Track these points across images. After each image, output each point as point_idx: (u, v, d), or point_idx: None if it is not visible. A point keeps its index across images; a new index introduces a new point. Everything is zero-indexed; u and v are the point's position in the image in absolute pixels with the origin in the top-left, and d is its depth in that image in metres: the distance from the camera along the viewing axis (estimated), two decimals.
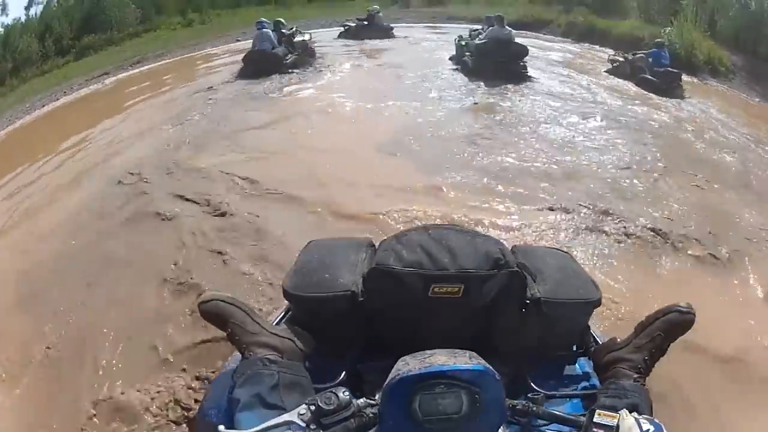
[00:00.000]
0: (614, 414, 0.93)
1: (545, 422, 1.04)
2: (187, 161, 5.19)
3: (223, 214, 4.02)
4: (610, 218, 4.01)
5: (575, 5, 14.03)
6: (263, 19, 9.75)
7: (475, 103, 6.96)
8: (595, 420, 0.92)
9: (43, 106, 9.43)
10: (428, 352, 0.93)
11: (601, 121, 6.55)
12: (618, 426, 0.91)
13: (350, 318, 1.24)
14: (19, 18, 14.36)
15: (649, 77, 8.55)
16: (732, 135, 6.52)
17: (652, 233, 3.83)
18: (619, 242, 3.72)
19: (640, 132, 6.26)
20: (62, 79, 11.52)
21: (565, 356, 1.36)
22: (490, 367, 0.91)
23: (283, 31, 9.85)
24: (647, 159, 5.36)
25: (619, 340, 1.22)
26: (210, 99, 7.62)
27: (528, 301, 1.25)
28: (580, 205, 4.19)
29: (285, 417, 0.89)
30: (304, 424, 0.87)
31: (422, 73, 8.69)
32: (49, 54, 13.92)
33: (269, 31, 9.40)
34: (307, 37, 10.19)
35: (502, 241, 1.36)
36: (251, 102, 7.37)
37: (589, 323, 1.39)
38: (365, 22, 12.45)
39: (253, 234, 3.70)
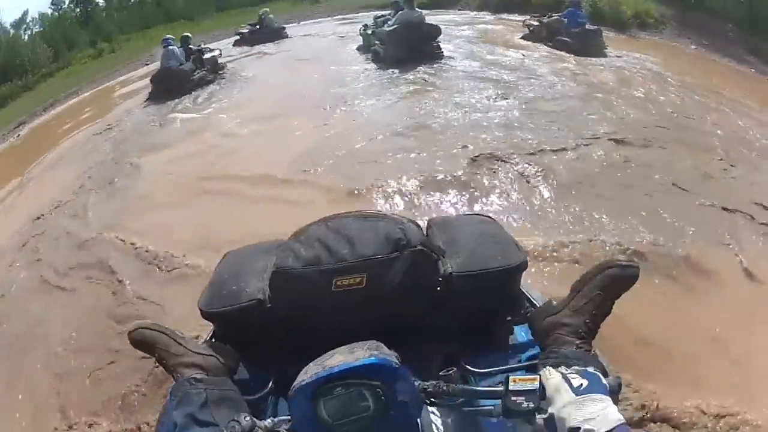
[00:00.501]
0: (533, 377, 0.85)
1: (468, 399, 0.99)
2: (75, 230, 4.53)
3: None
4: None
5: None
6: (169, 36, 9.60)
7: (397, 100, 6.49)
8: (511, 387, 0.84)
9: None
10: (329, 353, 0.91)
11: (514, 99, 6.20)
12: (541, 388, 0.84)
13: (263, 326, 1.22)
14: None
15: (565, 39, 8.42)
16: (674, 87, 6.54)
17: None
18: None
19: (554, 101, 5.95)
20: None
21: (499, 329, 1.28)
22: (388, 356, 0.88)
23: (191, 47, 9.72)
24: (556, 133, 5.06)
25: (555, 302, 1.15)
26: (109, 138, 7.21)
27: (440, 279, 1.18)
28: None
29: None
30: None
31: (330, 71, 8.23)
32: None
33: (175, 48, 9.21)
34: (216, 52, 10.08)
35: (414, 218, 1.27)
36: (154, 135, 6.93)
37: (525, 288, 1.34)
38: (257, 26, 12.57)
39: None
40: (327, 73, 8.13)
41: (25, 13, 16.23)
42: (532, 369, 1.01)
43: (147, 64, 12.67)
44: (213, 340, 1.27)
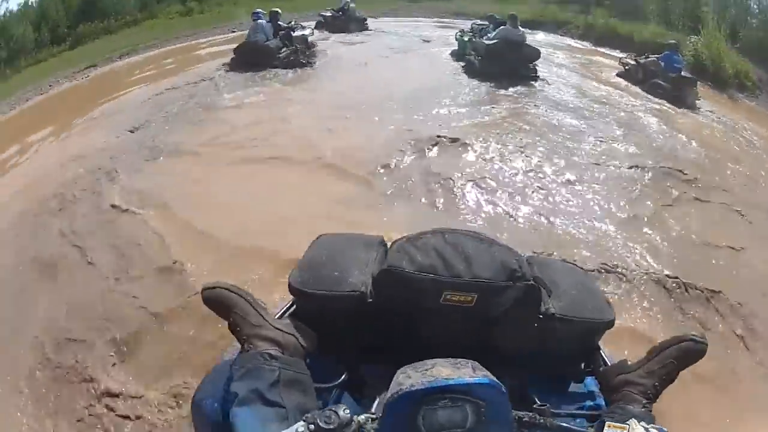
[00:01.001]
0: (623, 425, 0.91)
1: None
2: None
3: None
4: None
5: (593, 6, 13.35)
6: (259, 9, 9.21)
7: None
8: (605, 431, 0.90)
9: (27, 99, 9.08)
10: (429, 362, 0.89)
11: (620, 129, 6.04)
12: None
13: (356, 318, 1.20)
14: (9, 8, 14.06)
15: (661, 82, 8.01)
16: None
17: None
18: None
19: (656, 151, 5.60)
20: (53, 70, 11.07)
21: (572, 374, 1.31)
22: (496, 380, 0.87)
23: (280, 23, 9.31)
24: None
25: (629, 362, 1.18)
26: (177, 103, 6.78)
27: (541, 316, 1.20)
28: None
29: (292, 429, 0.85)
30: None
31: (423, 73, 7.94)
32: (44, 42, 13.58)
33: (263, 22, 8.85)
34: (307, 31, 9.67)
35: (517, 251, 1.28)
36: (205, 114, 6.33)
37: (600, 344, 1.34)
38: (340, 14, 12.07)
39: None
40: (420, 74, 7.82)
41: None
42: (595, 419, 1.07)
43: (233, 31, 12.25)
44: (291, 316, 1.24)
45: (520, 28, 7.92)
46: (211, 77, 7.87)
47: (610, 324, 1.25)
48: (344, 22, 11.80)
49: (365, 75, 8.11)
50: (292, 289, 1.22)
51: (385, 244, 1.37)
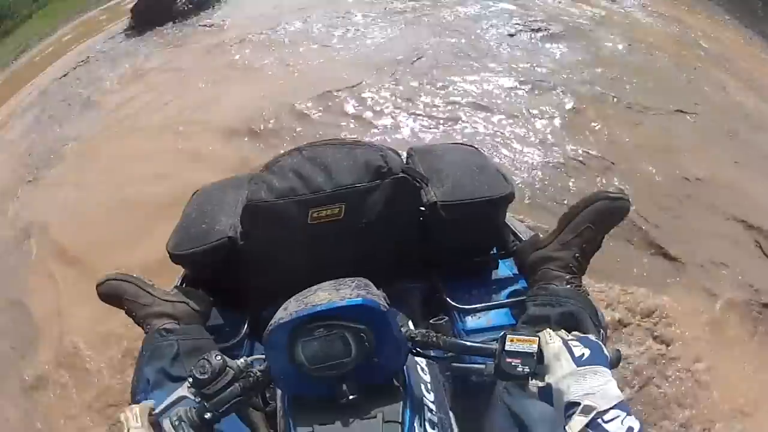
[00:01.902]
0: (531, 338, 0.74)
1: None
2: None
3: None
4: None
5: None
6: None
7: None
8: (507, 348, 0.74)
9: None
10: (312, 288, 0.83)
11: None
12: (540, 351, 0.73)
13: (236, 265, 1.15)
14: None
15: None
16: None
17: None
18: None
19: None
20: None
21: (484, 262, 1.22)
22: (375, 298, 0.79)
23: None
24: None
25: (542, 236, 1.10)
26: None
27: (423, 209, 1.13)
28: None
29: (177, 393, 0.83)
30: (192, 397, 0.81)
31: None
32: None
33: None
34: None
35: (392, 146, 1.19)
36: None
37: (510, 221, 1.26)
38: None
39: None
40: None
41: None
42: (520, 305, 1.02)
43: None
44: (183, 285, 1.21)
45: None
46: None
47: (509, 197, 1.15)
48: None
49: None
50: (171, 256, 1.18)
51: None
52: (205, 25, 6.46)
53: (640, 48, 4.35)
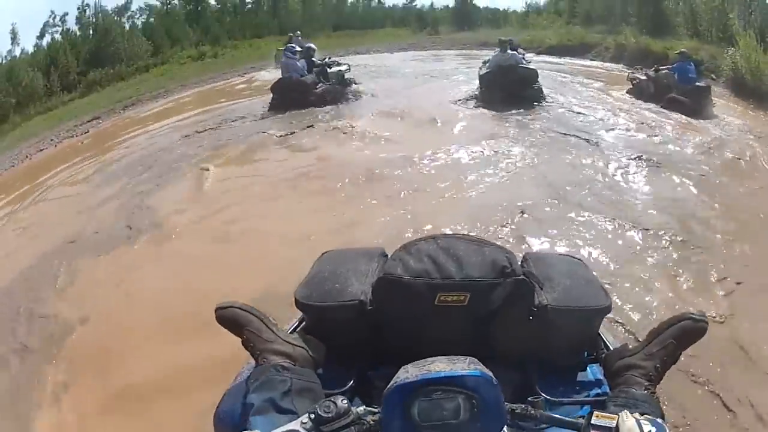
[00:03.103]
0: (612, 415, 0.88)
1: (545, 426, 1.01)
2: None
3: None
4: None
5: (619, 25, 12.55)
6: (292, 44, 8.83)
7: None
8: (593, 422, 0.89)
9: (26, 157, 8.35)
10: (429, 359, 0.91)
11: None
12: (617, 427, 0.86)
13: (359, 326, 1.24)
14: (24, 49, 13.75)
15: (678, 96, 7.12)
16: None
17: None
18: None
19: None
20: (60, 120, 10.53)
21: (575, 363, 1.32)
22: (488, 372, 0.89)
23: (314, 59, 8.81)
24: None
25: (630, 346, 1.21)
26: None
27: (535, 309, 1.23)
28: None
29: (290, 426, 0.89)
30: None
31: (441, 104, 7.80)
32: (54, 89, 13.21)
33: (295, 59, 8.31)
34: (344, 67, 9.17)
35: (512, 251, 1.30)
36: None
37: (601, 330, 1.36)
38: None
39: None
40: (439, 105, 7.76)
41: (129, 1, 15.60)
42: (601, 405, 1.10)
43: (242, 75, 11.67)
44: (300, 330, 1.31)
45: (510, 52, 7.85)
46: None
47: (607, 310, 1.26)
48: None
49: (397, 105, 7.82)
50: (297, 304, 1.26)
51: (386, 255, 1.40)
52: None
53: None
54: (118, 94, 11.96)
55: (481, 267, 1.18)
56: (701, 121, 6.62)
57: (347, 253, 1.48)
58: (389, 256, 1.31)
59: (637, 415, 0.87)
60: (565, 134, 6.04)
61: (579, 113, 7.06)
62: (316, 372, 1.16)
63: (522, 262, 1.38)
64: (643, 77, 8.05)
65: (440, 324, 1.19)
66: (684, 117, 6.72)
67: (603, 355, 1.26)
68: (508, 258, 1.21)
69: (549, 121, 6.65)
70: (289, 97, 7.92)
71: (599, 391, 1.25)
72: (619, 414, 0.87)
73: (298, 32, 10.79)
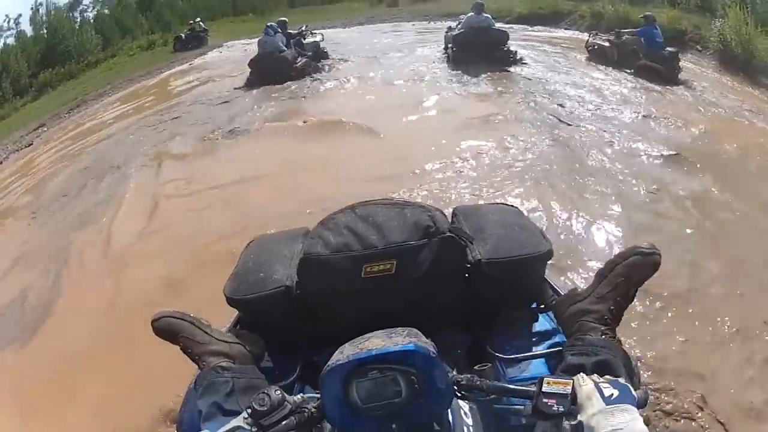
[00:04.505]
0: (566, 380, 0.79)
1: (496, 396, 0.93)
2: None
3: None
4: None
5: None
6: (271, 23, 8.63)
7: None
8: (544, 389, 0.79)
9: None
10: (366, 336, 0.88)
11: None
12: (573, 393, 0.77)
13: (292, 312, 1.20)
14: None
15: (650, 63, 6.71)
16: None
17: None
18: None
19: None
20: (9, 131, 10.04)
21: (524, 316, 1.28)
22: (425, 344, 0.84)
23: (291, 31, 8.77)
24: None
25: (579, 290, 1.14)
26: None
27: (469, 265, 1.18)
28: None
29: (233, 423, 0.86)
30: (248, 428, 0.84)
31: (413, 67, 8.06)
32: (6, 96, 12.71)
33: (274, 35, 8.19)
34: (318, 37, 9.10)
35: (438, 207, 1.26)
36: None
37: (548, 276, 1.32)
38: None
39: None
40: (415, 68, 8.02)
41: None
42: (558, 356, 1.09)
43: (190, 63, 11.09)
44: (238, 327, 1.29)
45: (484, 14, 7.94)
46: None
47: (547, 255, 1.21)
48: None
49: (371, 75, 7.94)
50: (228, 300, 1.23)
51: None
52: None
53: None
54: (65, 95, 11.42)
55: (403, 230, 1.15)
56: (685, 92, 6.11)
57: (272, 238, 1.45)
58: (308, 234, 1.29)
59: (595, 376, 0.79)
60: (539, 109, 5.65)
61: (554, 87, 6.59)
62: (260, 366, 1.15)
63: (452, 217, 1.34)
64: (605, 43, 7.60)
65: (372, 297, 1.15)
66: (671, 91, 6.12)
67: (553, 303, 1.21)
68: (431, 216, 1.17)
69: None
70: (268, 72, 7.82)
71: (555, 340, 1.21)
72: (574, 378, 0.80)
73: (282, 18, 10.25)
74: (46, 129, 9.07)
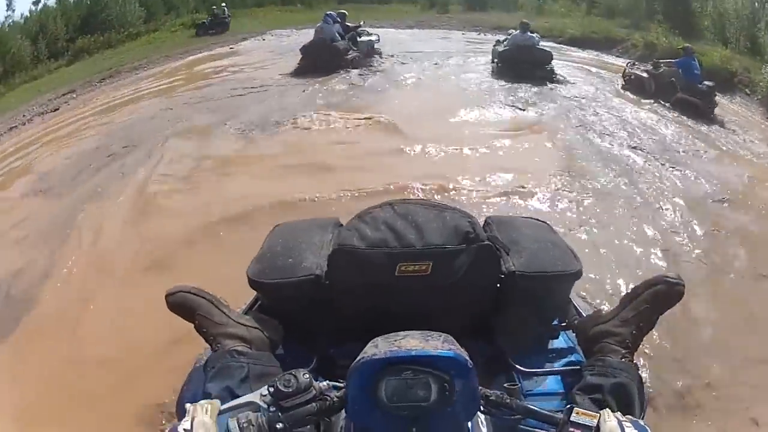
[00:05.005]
0: (594, 414, 0.81)
1: (520, 416, 0.91)
2: None
3: None
4: None
5: (644, 21, 11.72)
6: (331, 12, 9.00)
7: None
8: (572, 419, 0.81)
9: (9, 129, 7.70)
10: (401, 333, 0.86)
11: None
12: (598, 427, 0.79)
13: (317, 302, 1.19)
14: (12, 16, 13.08)
15: (688, 97, 6.56)
16: None
17: None
18: None
19: None
20: (38, 93, 9.82)
21: (546, 331, 1.28)
22: (463, 354, 0.83)
23: (348, 24, 9.05)
24: None
25: (604, 312, 1.18)
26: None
27: (502, 276, 1.18)
28: None
29: (248, 397, 0.86)
30: (265, 406, 0.84)
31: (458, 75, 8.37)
32: (41, 57, 12.51)
33: (332, 25, 8.42)
34: (374, 37, 9.34)
35: (473, 214, 1.26)
36: None
37: (571, 296, 1.32)
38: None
39: None
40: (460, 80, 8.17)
41: None
42: (577, 374, 1.09)
43: (231, 47, 11.04)
44: (255, 310, 1.26)
45: (529, 33, 8.35)
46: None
47: (577, 275, 1.21)
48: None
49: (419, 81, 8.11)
50: (251, 282, 1.21)
51: (341, 225, 1.35)
52: None
53: None
54: (101, 63, 11.22)
55: (442, 233, 1.14)
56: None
57: (300, 225, 1.42)
58: (344, 225, 1.26)
59: (619, 415, 0.81)
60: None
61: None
62: (275, 353, 1.13)
63: (484, 226, 1.33)
64: (642, 73, 7.46)
65: (403, 296, 1.14)
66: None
67: (575, 322, 1.23)
68: (470, 223, 1.17)
69: None
70: (319, 59, 8.00)
71: (572, 359, 1.22)
72: (601, 413, 0.82)
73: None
74: (75, 96, 8.85)
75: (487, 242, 1.15)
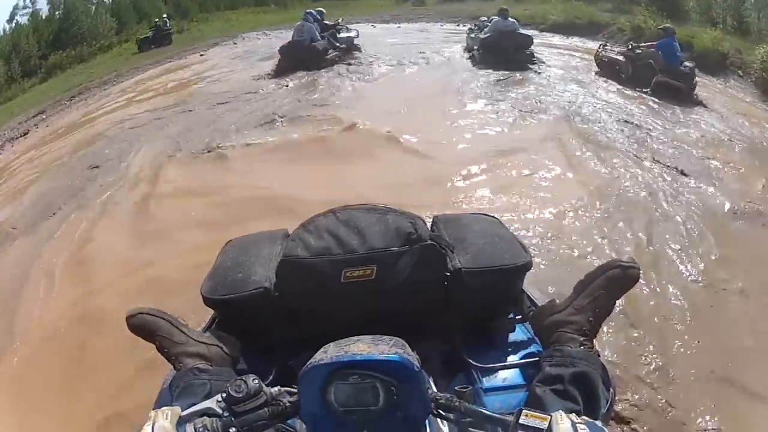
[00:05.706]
0: (544, 415, 0.78)
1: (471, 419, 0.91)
2: None
3: None
4: None
5: (627, 4, 11.27)
6: (311, 10, 8.79)
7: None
8: (521, 421, 0.79)
9: None
10: (353, 338, 0.87)
11: None
12: (550, 428, 0.76)
13: (270, 314, 1.20)
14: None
15: (669, 80, 6.13)
16: None
17: None
18: None
19: None
20: (11, 115, 9.57)
21: (501, 325, 1.28)
22: (410, 357, 0.83)
23: (327, 23, 8.90)
24: None
25: (558, 301, 1.16)
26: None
27: (449, 274, 1.19)
28: None
29: (206, 404, 0.86)
30: (221, 411, 0.84)
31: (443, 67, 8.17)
32: (15, 77, 12.33)
33: (312, 24, 8.27)
34: (353, 33, 9.13)
35: (420, 215, 1.26)
36: None
37: (526, 287, 1.33)
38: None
39: None
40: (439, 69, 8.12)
41: None
42: (535, 366, 1.09)
43: (202, 54, 10.69)
44: (214, 327, 1.27)
45: (510, 19, 8.29)
46: None
47: (526, 267, 1.21)
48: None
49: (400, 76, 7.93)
50: (204, 299, 1.22)
51: (289, 236, 1.33)
52: None
53: None
54: (72, 80, 10.97)
55: (384, 236, 1.15)
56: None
57: (250, 239, 1.42)
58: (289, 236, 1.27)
59: (573, 416, 0.78)
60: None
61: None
62: (236, 368, 1.13)
63: (432, 225, 1.35)
64: (618, 56, 7.04)
65: (352, 302, 1.15)
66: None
67: (530, 314, 1.23)
68: (412, 223, 1.18)
69: None
70: (298, 60, 7.86)
71: (531, 351, 1.21)
72: (552, 414, 0.78)
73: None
74: (44, 117, 8.56)
75: (430, 242, 1.15)
